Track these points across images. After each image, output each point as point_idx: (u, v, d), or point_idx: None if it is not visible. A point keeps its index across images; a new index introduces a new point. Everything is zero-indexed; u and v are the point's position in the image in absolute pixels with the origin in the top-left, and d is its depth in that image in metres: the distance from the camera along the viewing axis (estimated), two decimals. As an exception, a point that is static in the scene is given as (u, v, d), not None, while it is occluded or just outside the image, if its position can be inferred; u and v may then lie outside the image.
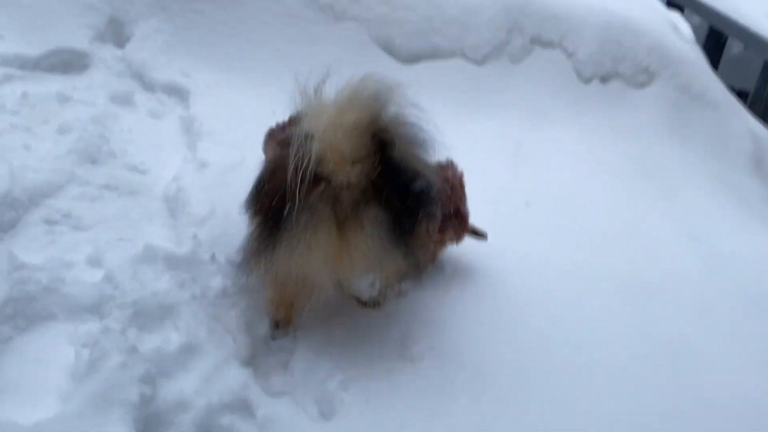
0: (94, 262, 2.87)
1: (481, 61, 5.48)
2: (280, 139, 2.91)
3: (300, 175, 2.37)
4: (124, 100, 4.17)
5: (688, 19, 8.37)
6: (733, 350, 3.27)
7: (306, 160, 2.38)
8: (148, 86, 4.40)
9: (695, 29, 8.14)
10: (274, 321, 2.84)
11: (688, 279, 3.80)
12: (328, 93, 2.53)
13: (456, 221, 3.26)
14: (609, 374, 2.95)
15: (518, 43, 5.63)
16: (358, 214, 2.51)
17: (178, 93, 4.37)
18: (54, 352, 2.46)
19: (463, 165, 3.76)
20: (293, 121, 2.73)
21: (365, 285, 2.97)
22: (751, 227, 4.77)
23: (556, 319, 3.21)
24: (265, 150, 3.17)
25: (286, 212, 2.43)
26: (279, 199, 2.46)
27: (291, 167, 2.38)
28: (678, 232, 4.33)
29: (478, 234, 3.41)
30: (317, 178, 2.44)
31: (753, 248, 4.34)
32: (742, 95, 7.26)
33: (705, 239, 4.30)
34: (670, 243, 4.16)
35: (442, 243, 3.28)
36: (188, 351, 2.54)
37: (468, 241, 3.47)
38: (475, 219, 3.67)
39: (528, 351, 2.98)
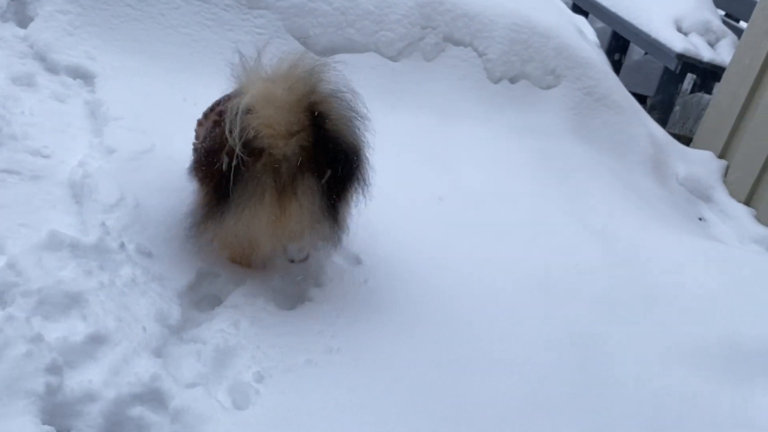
0: (-5, 248, 2.74)
1: (395, 57, 5.51)
2: (217, 114, 2.98)
3: (240, 148, 2.57)
4: (25, 81, 3.98)
5: (592, 23, 8.67)
6: (636, 341, 3.40)
7: (245, 133, 2.56)
8: (52, 68, 4.22)
9: (599, 34, 8.44)
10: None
11: (593, 273, 3.93)
12: (265, 69, 2.72)
13: None
14: (522, 362, 3.02)
15: (431, 41, 5.69)
16: (294, 184, 2.69)
17: (83, 76, 4.21)
18: (-49, 342, 2.33)
19: (376, 159, 3.78)
20: (231, 97, 2.84)
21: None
22: (651, 225, 4.97)
23: (470, 311, 3.27)
24: (198, 131, 3.18)
25: (232, 182, 2.63)
26: (225, 170, 2.64)
27: (231, 141, 2.58)
28: (583, 228, 4.47)
29: None
30: (259, 150, 2.63)
31: (652, 245, 4.52)
32: (641, 99, 7.56)
33: (609, 235, 4.44)
34: (576, 239, 4.29)
35: None
36: (96, 341, 2.45)
37: (386, 235, 3.50)
38: (390, 213, 3.70)
39: (442, 341, 3.02)
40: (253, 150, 2.63)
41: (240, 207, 2.70)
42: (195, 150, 3.06)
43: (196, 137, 3.18)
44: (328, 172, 2.75)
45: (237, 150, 2.57)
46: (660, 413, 2.96)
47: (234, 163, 2.60)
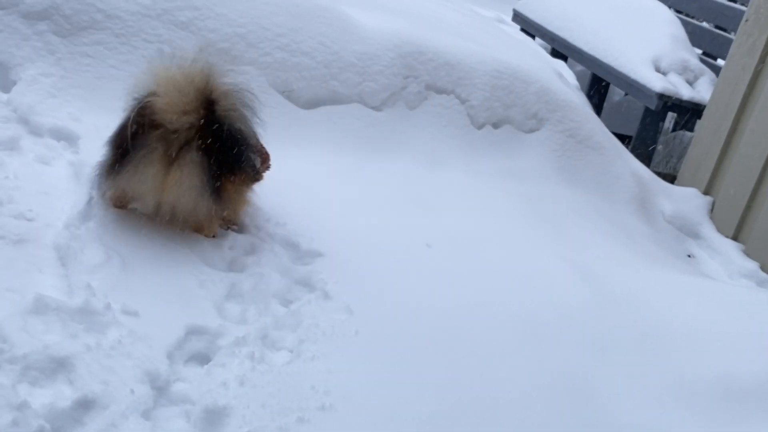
0: (-20, 314, 2.70)
1: (378, 107, 5.56)
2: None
3: (141, 121, 3.24)
4: (9, 145, 3.97)
5: (571, 67, 8.79)
6: (631, 385, 3.36)
7: (147, 110, 3.23)
8: (36, 131, 4.21)
9: (579, 77, 8.56)
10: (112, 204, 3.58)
11: (583, 316, 3.90)
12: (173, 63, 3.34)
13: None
14: (516, 408, 2.98)
15: (414, 89, 5.74)
16: (179, 154, 3.27)
17: (66, 137, 4.20)
18: (-65, 412, 2.29)
19: (360, 209, 3.80)
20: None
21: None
22: (640, 264, 4.98)
23: (463, 358, 3.24)
24: None
25: (131, 149, 3.26)
26: (128, 139, 3.27)
27: (133, 115, 3.25)
28: (570, 270, 4.45)
29: None
30: (159, 124, 3.25)
31: (642, 285, 4.51)
32: (623, 139, 7.63)
33: (596, 277, 4.43)
34: (564, 281, 4.27)
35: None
36: (83, 405, 2.41)
37: (374, 283, 3.51)
38: (378, 261, 3.71)
39: (437, 390, 2.98)
40: (153, 122, 3.25)
41: (133, 166, 3.28)
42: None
43: None
44: (213, 150, 3.31)
45: (141, 122, 3.23)
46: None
47: (131, 130, 3.24)
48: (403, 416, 2.81)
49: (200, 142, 3.31)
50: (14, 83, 4.47)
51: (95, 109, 4.51)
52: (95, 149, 4.10)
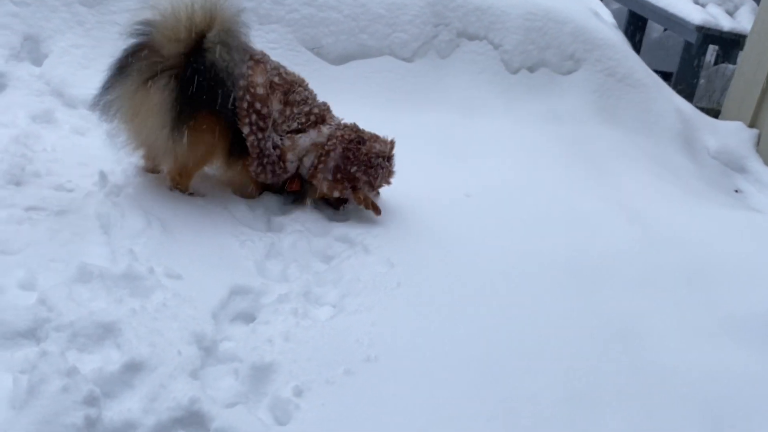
0: (27, 285, 2.74)
1: (409, 58, 5.48)
2: None
3: (141, 47, 3.31)
4: (45, 118, 4.02)
5: (607, 5, 8.56)
6: (680, 323, 3.31)
7: (144, 35, 3.31)
8: (70, 103, 4.25)
9: (615, 14, 8.33)
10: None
11: (630, 256, 3.84)
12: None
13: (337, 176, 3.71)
14: (563, 354, 2.95)
15: (445, 38, 5.65)
16: (155, 77, 3.26)
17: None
18: (-10, 381, 2.34)
19: (397, 162, 3.76)
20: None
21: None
22: (686, 202, 4.87)
23: (509, 306, 3.21)
24: None
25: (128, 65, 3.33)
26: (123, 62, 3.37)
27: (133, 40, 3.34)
28: (616, 211, 4.38)
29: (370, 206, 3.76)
30: (154, 50, 3.28)
31: (689, 223, 4.42)
32: (664, 76, 7.43)
33: (643, 216, 4.35)
34: (609, 222, 4.21)
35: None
36: (132, 368, 2.44)
37: (416, 236, 3.47)
38: (418, 214, 3.67)
39: (482, 339, 2.96)
40: (152, 48, 3.29)
41: (123, 80, 3.33)
42: None
43: None
44: (190, 82, 3.25)
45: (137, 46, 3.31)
46: (712, 394, 2.87)
47: (129, 50, 3.33)
48: (448, 364, 2.79)
49: (178, 71, 3.27)
50: (46, 56, 4.50)
51: (127, 78, 4.51)
52: (130, 117, 4.13)
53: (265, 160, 3.59)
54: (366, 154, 3.69)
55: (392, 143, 3.78)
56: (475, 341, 2.94)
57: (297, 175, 3.73)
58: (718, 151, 6.23)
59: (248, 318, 2.94)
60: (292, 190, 3.74)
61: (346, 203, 3.82)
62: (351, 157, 3.67)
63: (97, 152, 3.78)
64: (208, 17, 3.29)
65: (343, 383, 2.61)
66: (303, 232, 3.52)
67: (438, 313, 3.08)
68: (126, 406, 2.32)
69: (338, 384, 2.60)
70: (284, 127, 3.63)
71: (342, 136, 3.69)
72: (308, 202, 3.76)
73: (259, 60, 3.59)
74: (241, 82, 3.45)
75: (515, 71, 5.84)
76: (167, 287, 2.86)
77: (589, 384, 2.81)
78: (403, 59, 5.48)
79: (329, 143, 3.67)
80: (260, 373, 2.61)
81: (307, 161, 3.69)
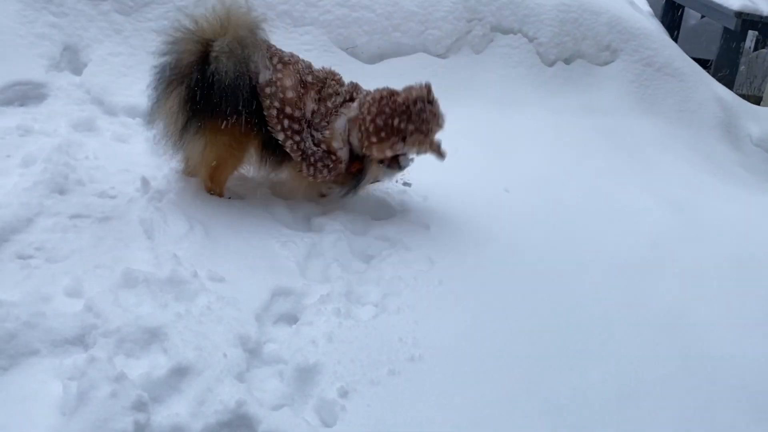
0: (73, 292, 2.78)
1: (444, 54, 5.46)
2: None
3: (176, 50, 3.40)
4: (86, 126, 4.07)
5: (643, -7, 8.42)
6: (728, 313, 3.25)
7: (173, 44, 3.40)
8: (110, 110, 4.31)
9: (651, 3, 8.21)
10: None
11: (674, 247, 3.79)
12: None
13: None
14: (612, 349, 2.91)
15: (479, 33, 5.62)
16: (173, 85, 3.38)
17: (141, 114, 4.25)
18: (40, 388, 2.37)
19: (434, 159, 3.74)
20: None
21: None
22: (728, 191, 4.79)
23: (553, 301, 3.18)
24: None
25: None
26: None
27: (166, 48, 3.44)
28: (658, 202, 4.32)
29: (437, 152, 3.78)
30: (178, 60, 3.38)
31: (733, 212, 4.35)
32: (703, 64, 7.31)
33: (685, 207, 4.29)
34: (652, 213, 4.15)
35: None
36: (179, 373, 2.46)
37: (455, 233, 3.45)
38: (457, 210, 3.65)
39: (527, 335, 2.94)
40: (177, 57, 3.38)
41: (156, 89, 3.46)
42: None
43: None
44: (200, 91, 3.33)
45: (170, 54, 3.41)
46: (763, 384, 2.81)
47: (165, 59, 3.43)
48: (494, 361, 2.77)
49: (187, 78, 3.35)
50: (85, 65, 4.57)
51: (165, 84, 4.56)
52: (169, 123, 4.17)
53: (312, 159, 3.56)
54: (404, 104, 3.61)
55: (428, 86, 3.71)
56: (519, 338, 2.91)
57: (354, 156, 3.69)
58: (761, 138, 6.11)
59: (291, 319, 2.94)
60: (355, 170, 3.70)
61: (408, 161, 3.77)
62: (388, 110, 3.59)
63: (138, 158, 3.83)
64: (218, 26, 3.36)
65: (387, 383, 2.60)
66: (343, 232, 3.51)
67: (481, 310, 3.06)
68: (174, 410, 2.33)
69: (383, 384, 2.60)
70: (323, 123, 3.60)
71: (373, 97, 3.64)
72: (370, 179, 3.75)
73: (287, 62, 3.56)
74: (268, 90, 3.45)
75: (551, 64, 5.79)
76: (211, 290, 2.87)
77: (638, 379, 2.77)
78: (437, 56, 5.46)
79: (363, 110, 3.60)
80: (305, 375, 2.61)
81: (354, 139, 3.63)
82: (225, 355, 2.57)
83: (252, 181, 3.78)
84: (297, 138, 3.51)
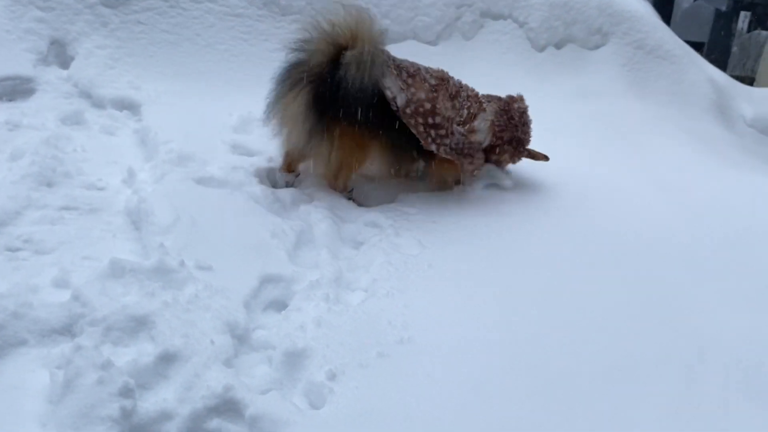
0: (61, 283, 2.78)
1: (434, 41, 5.45)
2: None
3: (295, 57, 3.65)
4: (74, 120, 4.07)
5: (634, -23, 8.38)
6: (723, 292, 3.24)
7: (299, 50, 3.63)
8: (98, 103, 4.30)
9: (642, -14, 8.16)
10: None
11: (670, 228, 3.78)
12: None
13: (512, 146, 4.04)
14: (603, 327, 2.90)
15: (469, 19, 5.60)
16: (299, 85, 3.56)
17: (129, 106, 4.28)
18: (28, 377, 2.36)
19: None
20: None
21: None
22: (724, 172, 4.77)
23: (545, 282, 3.17)
24: None
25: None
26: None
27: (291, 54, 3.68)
28: (650, 185, 4.31)
29: (536, 157, 4.14)
30: (304, 61, 3.60)
31: (726, 192, 4.34)
32: (697, 46, 7.29)
33: (680, 189, 4.28)
34: (647, 196, 4.14)
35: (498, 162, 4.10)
36: (166, 360, 2.45)
37: (445, 218, 3.44)
38: (447, 196, 3.64)
39: (518, 314, 2.93)
40: (303, 59, 3.60)
41: (278, 88, 3.66)
42: None
43: None
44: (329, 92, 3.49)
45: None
46: (754, 360, 2.80)
47: (289, 62, 3.67)
48: (483, 342, 2.76)
49: (316, 82, 3.52)
50: (72, 58, 4.56)
51: (153, 75, 4.57)
52: (157, 114, 4.17)
53: (466, 151, 3.80)
54: (521, 117, 4.01)
55: (520, 96, 4.09)
56: (509, 318, 2.91)
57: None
58: (754, 119, 6.09)
59: (280, 306, 2.94)
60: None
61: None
62: (511, 123, 3.95)
63: (126, 151, 3.82)
64: (349, 35, 3.52)
65: (376, 365, 2.59)
66: (333, 219, 3.51)
67: (471, 292, 3.05)
68: (161, 396, 2.32)
69: (372, 366, 2.59)
70: (458, 119, 3.79)
71: (518, 107, 4.02)
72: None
73: (413, 73, 3.71)
74: (409, 110, 3.61)
75: (542, 49, 5.77)
76: (199, 279, 2.87)
77: (629, 356, 2.76)
78: (427, 43, 5.44)
79: (503, 118, 3.94)
80: (293, 359, 2.60)
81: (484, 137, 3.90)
82: (212, 342, 2.56)
83: (240, 169, 3.77)
84: (446, 141, 3.71)
